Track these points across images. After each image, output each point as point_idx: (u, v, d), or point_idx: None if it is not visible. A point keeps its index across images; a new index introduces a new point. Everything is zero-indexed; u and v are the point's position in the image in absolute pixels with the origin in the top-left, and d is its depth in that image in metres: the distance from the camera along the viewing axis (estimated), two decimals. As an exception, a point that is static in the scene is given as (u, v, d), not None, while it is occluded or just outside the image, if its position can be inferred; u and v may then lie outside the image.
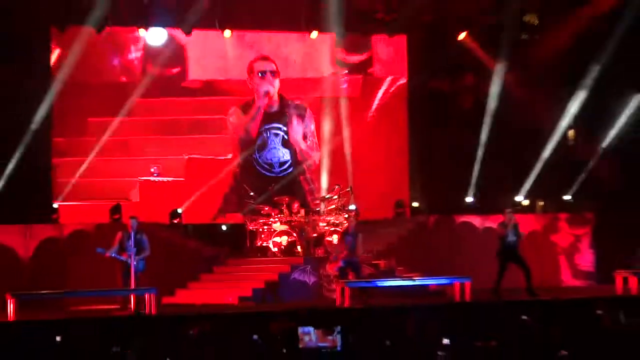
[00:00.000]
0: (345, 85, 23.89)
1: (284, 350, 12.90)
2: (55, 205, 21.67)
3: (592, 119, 23.36)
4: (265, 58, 22.81)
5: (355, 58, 24.11)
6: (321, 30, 22.97)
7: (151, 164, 22.71)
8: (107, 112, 22.51)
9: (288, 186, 22.28)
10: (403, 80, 24.45)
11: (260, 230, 20.80)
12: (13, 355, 13.46)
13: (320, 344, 12.33)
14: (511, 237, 18.83)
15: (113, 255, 17.81)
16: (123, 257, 17.78)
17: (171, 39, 23.03)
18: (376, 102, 24.32)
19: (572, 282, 22.23)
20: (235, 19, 22.67)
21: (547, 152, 23.28)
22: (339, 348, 12.28)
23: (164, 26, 22.60)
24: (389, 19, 23.69)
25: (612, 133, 23.27)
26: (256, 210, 21.04)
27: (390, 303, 17.90)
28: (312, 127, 23.11)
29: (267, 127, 22.64)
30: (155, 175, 22.63)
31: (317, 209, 21.22)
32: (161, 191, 22.48)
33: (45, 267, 19.33)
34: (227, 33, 23.03)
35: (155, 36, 22.95)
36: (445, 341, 13.04)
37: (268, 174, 22.58)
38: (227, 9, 22.35)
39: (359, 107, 23.97)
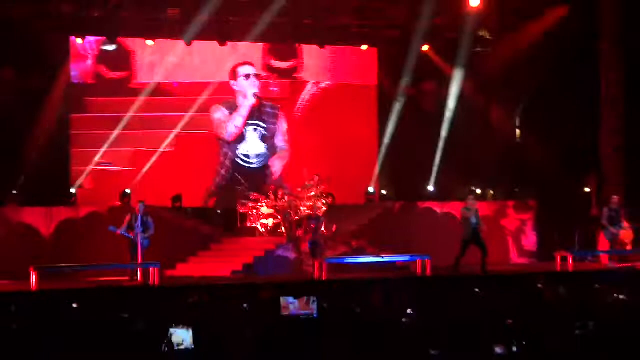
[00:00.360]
0: (276, 89, 23.92)
1: (270, 317, 12.89)
2: (72, 190, 21.74)
3: (536, 120, 23.43)
4: (248, 63, 22.76)
5: (284, 64, 24.02)
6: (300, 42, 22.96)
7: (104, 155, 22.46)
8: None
9: (258, 176, 22.23)
10: (324, 84, 24.48)
11: (250, 213, 20.83)
12: (36, 319, 13.45)
13: (300, 312, 12.32)
14: (473, 220, 18.82)
15: (123, 233, 17.86)
16: (131, 235, 17.84)
17: (120, 45, 22.71)
18: (301, 102, 24.23)
19: (518, 260, 22.33)
20: (228, 32, 22.61)
21: (497, 148, 23.34)
22: (315, 315, 12.27)
23: (166, 37, 22.45)
24: (362, 33, 23.74)
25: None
26: (247, 195, 21.05)
27: (360, 277, 17.95)
28: (285, 125, 23.19)
29: (246, 122, 22.59)
30: (106, 164, 22.43)
31: (299, 196, 21.22)
32: (112, 178, 22.39)
33: (64, 244, 19.32)
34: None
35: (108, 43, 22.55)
36: (409, 310, 13.03)
37: (245, 164, 22.59)
38: (223, 23, 22.26)
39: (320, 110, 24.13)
